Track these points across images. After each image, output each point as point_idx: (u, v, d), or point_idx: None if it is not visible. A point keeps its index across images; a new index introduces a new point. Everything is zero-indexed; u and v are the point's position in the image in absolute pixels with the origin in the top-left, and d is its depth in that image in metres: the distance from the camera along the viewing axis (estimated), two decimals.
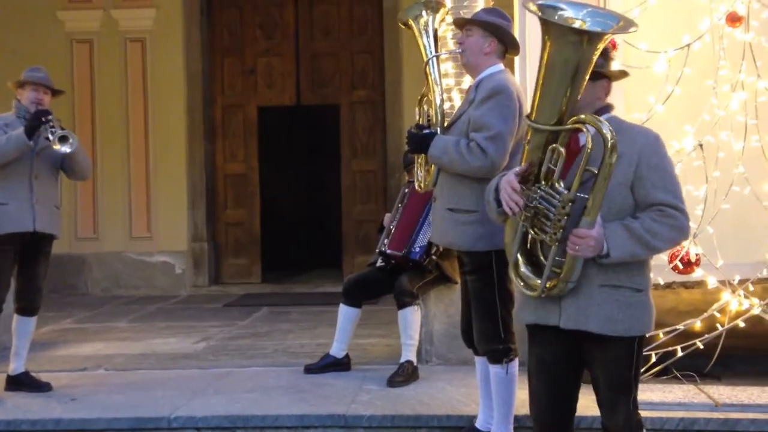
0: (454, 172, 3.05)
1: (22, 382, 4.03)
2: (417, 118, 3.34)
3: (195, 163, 7.76)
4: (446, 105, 4.28)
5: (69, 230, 7.61)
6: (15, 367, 4.05)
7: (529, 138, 2.23)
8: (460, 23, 3.20)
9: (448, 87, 4.67)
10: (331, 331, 4.45)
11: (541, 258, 2.24)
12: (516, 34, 4.54)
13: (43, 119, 3.84)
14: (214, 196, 7.97)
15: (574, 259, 2.16)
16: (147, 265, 7.68)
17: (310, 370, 4.25)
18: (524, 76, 4.46)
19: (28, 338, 4.09)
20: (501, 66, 3.14)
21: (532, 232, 2.22)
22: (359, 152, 7.95)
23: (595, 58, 2.11)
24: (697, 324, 3.72)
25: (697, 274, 3.66)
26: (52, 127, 3.85)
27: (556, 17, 2.03)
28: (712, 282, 3.75)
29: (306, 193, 9.93)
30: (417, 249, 4.09)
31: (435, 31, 3.31)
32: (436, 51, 3.31)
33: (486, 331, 3.11)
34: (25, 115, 3.93)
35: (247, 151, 7.98)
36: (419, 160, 3.30)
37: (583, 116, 2.12)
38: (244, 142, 7.97)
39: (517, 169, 2.24)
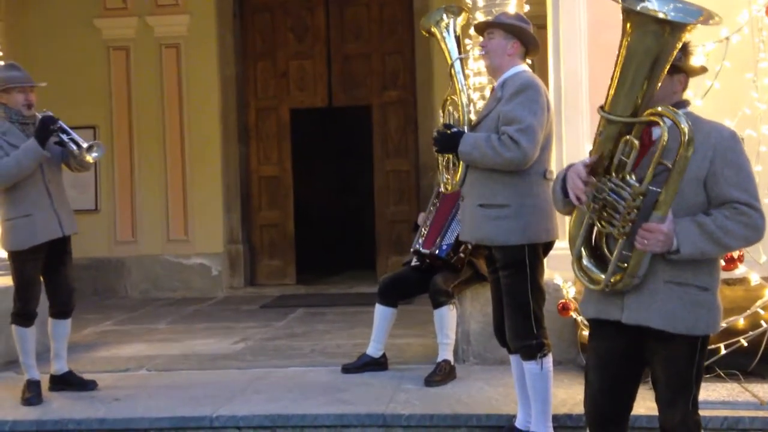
0: (485, 166, 3.09)
1: (68, 381, 4.11)
2: (441, 119, 3.38)
3: (230, 165, 7.85)
4: (478, 105, 4.32)
5: (108, 234, 7.78)
6: (58, 367, 4.13)
7: (601, 129, 2.21)
8: (481, 27, 3.27)
9: (481, 85, 4.69)
10: (366, 331, 4.47)
11: (606, 252, 2.22)
12: (549, 34, 4.55)
13: (53, 127, 3.82)
14: (249, 198, 8.06)
15: (641, 253, 2.14)
16: (184, 267, 7.79)
17: (347, 369, 4.28)
18: (558, 73, 4.45)
19: (66, 339, 4.14)
20: (524, 66, 3.23)
21: (599, 224, 2.20)
22: (391, 153, 7.96)
23: (676, 50, 2.08)
24: (741, 321, 3.65)
25: (740, 270, 3.60)
26: (67, 134, 3.86)
27: (639, 7, 2.01)
28: (755, 278, 3.71)
29: (339, 194, 9.99)
30: (444, 246, 4.10)
31: (457, 35, 3.35)
32: (460, 53, 3.34)
33: (518, 327, 3.12)
34: (20, 119, 3.87)
35: (280, 153, 8.05)
36: (443, 162, 3.33)
37: (660, 108, 2.10)
38: (277, 145, 8.05)
39: (587, 159, 2.22)
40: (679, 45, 2.09)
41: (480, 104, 4.28)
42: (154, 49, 7.77)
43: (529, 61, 3.34)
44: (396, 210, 7.91)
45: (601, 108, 2.18)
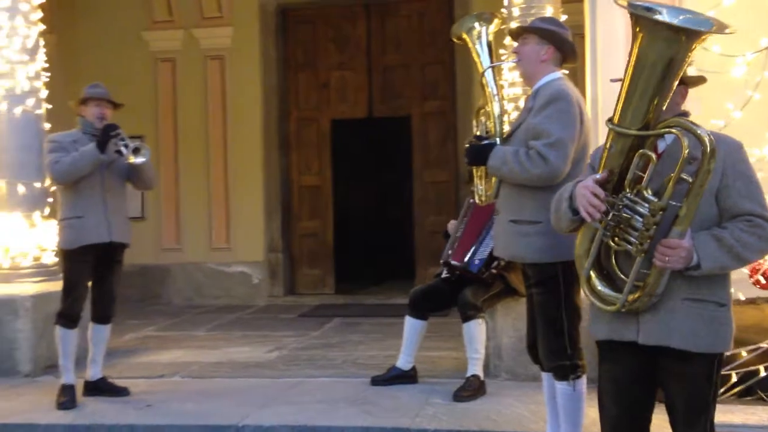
0: (514, 182, 2.99)
1: (100, 388, 4.20)
2: (474, 130, 3.30)
3: (271, 175, 7.95)
4: (512, 115, 4.26)
5: (154, 241, 7.95)
6: (93, 373, 4.23)
7: (610, 144, 2.14)
8: (516, 32, 3.16)
9: (516, 96, 4.63)
10: (399, 343, 4.44)
11: (616, 271, 2.15)
12: (587, 43, 4.46)
13: (112, 133, 3.98)
14: (289, 208, 8.13)
15: (660, 271, 2.06)
16: (226, 275, 7.90)
17: (376, 381, 4.26)
18: (595, 83, 4.36)
19: (104, 345, 4.25)
20: (559, 73, 3.07)
21: (612, 243, 2.12)
22: (431, 163, 7.94)
23: (688, 60, 2.01)
24: None
25: None
26: (122, 139, 3.99)
27: (653, 15, 1.94)
28: None
29: (379, 205, 9.99)
30: (477, 261, 4.04)
31: (489, 43, 3.27)
32: (492, 62, 3.25)
33: (551, 346, 3.02)
34: (92, 131, 4.06)
35: (320, 164, 8.11)
36: (478, 173, 3.25)
37: (674, 120, 2.03)
38: (317, 155, 8.11)
39: (597, 176, 2.15)
40: (692, 54, 2.01)
41: (515, 115, 4.21)
42: (199, 60, 7.94)
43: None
44: (435, 220, 7.85)
45: (610, 121, 2.11)
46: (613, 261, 2.16)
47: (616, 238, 2.11)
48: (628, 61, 2.03)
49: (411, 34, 7.93)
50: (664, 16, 1.93)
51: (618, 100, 2.08)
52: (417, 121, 7.97)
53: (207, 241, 7.98)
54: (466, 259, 4.08)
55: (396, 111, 8.04)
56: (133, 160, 3.98)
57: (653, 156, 2.06)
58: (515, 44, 3.22)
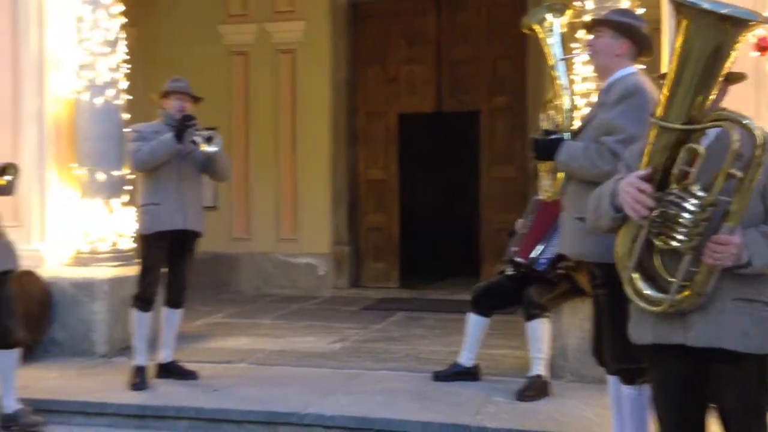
0: (583, 178, 2.92)
1: (171, 370, 4.35)
2: (542, 124, 3.24)
3: (338, 168, 8.02)
4: (585, 110, 4.16)
5: (225, 231, 8.15)
6: (164, 356, 4.39)
7: (653, 139, 2.07)
8: (590, 25, 3.07)
9: (588, 91, 4.52)
10: (462, 339, 4.42)
11: (660, 270, 2.08)
12: (664, 37, 4.31)
13: (188, 123, 4.12)
14: (356, 201, 8.19)
15: (709, 269, 2.00)
16: (292, 266, 8.03)
17: (438, 377, 4.25)
18: None
19: (175, 329, 4.41)
20: (634, 68, 2.97)
21: (658, 241, 2.06)
22: (499, 159, 7.85)
23: (734, 51, 1.93)
24: None
25: None
26: (198, 130, 4.12)
27: (695, 2, 1.88)
28: None
29: (445, 200, 9.95)
30: (543, 260, 3.97)
31: (561, 35, 3.19)
32: (564, 54, 3.18)
33: (617, 349, 2.94)
34: (171, 122, 4.22)
35: (387, 158, 8.13)
36: (545, 168, 3.19)
37: (723, 113, 1.96)
38: (384, 149, 8.13)
39: (641, 172, 2.08)
40: (738, 46, 1.92)
41: (586, 111, 4.11)
42: (271, 54, 8.07)
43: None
44: (502, 217, 7.74)
45: (653, 115, 2.05)
46: (657, 260, 2.09)
47: (662, 236, 2.04)
48: (673, 53, 1.95)
49: (481, 27, 7.84)
50: (710, 5, 1.86)
51: (663, 93, 2.01)
52: (485, 116, 7.89)
53: (275, 232, 8.13)
54: (531, 257, 4.03)
55: (464, 106, 7.98)
56: (206, 148, 4.10)
57: (702, 150, 1.98)
58: (589, 37, 3.14)
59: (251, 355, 4.98)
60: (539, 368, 3.97)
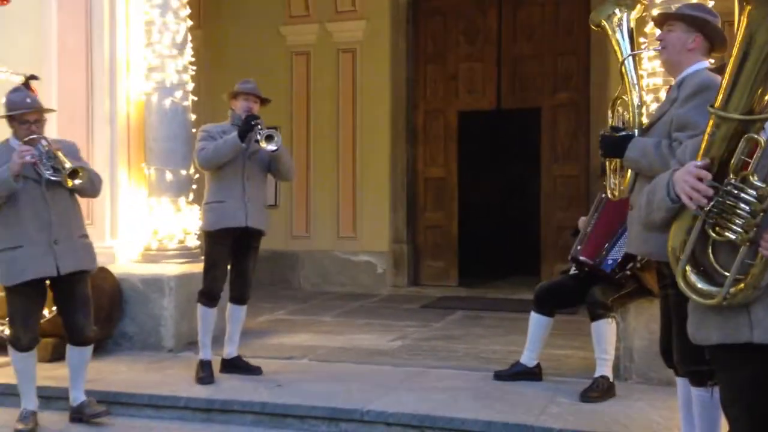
0: (652, 175, 2.85)
1: (236, 365, 4.44)
2: (610, 120, 3.18)
3: (397, 166, 8.05)
4: (653, 106, 4.06)
5: (285, 228, 8.28)
6: (229, 351, 4.48)
7: (712, 129, 2.02)
8: (660, 19, 2.99)
9: (656, 86, 4.41)
10: (522, 338, 4.38)
11: (713, 263, 2.02)
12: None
13: (253, 123, 4.19)
14: (415, 199, 8.20)
15: (767, 262, 1.93)
16: (352, 263, 8.10)
17: (499, 376, 4.22)
18: None
19: (240, 325, 4.50)
20: (706, 63, 2.89)
21: (713, 233, 2.00)
22: (561, 156, 7.73)
23: None
24: None
25: None
26: (261, 129, 4.19)
27: None
28: None
29: (504, 198, 9.86)
30: (610, 261, 3.89)
31: (630, 30, 3.12)
32: (633, 50, 3.11)
33: (688, 350, 2.85)
34: (238, 122, 4.30)
35: (446, 156, 8.11)
36: (612, 166, 3.13)
37: None
38: (444, 147, 8.12)
39: (699, 162, 2.03)
40: None
41: (653, 107, 4.01)
42: (332, 53, 8.16)
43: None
44: (564, 216, 7.64)
45: (712, 105, 1.98)
46: (711, 253, 2.03)
47: (718, 228, 1.98)
48: (736, 41, 1.89)
49: (544, 23, 7.74)
50: None
51: (723, 83, 1.94)
52: (547, 113, 7.78)
53: (334, 230, 8.21)
54: (598, 257, 3.95)
55: (525, 103, 7.89)
56: (265, 146, 4.17)
57: (763, 140, 1.91)
58: (657, 32, 3.07)
59: (313, 351, 5.04)
60: (604, 369, 3.89)
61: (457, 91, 8.07)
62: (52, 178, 3.61)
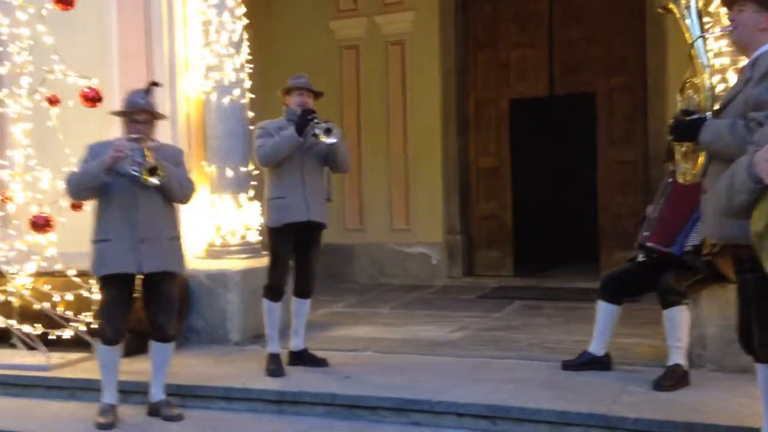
0: (729, 157, 2.79)
1: (303, 358, 4.50)
2: (679, 104, 3.12)
3: (449, 157, 8.01)
4: (719, 87, 3.95)
5: (339, 222, 8.32)
6: (296, 344, 4.54)
7: None
8: (730, 0, 2.93)
9: (723, 66, 4.29)
10: (585, 328, 4.34)
11: None
12: None
13: (309, 117, 4.22)
14: (467, 190, 8.16)
15: None
16: (406, 255, 8.11)
17: (567, 366, 4.18)
18: None
19: (305, 318, 4.55)
20: None
21: None
22: (617, 141, 7.59)
23: None
24: None
25: None
26: (317, 123, 4.21)
27: None
28: None
29: (559, 186, 9.74)
30: (686, 248, 3.80)
31: (699, 10, 3.06)
32: (702, 31, 3.05)
33: (767, 335, 2.81)
34: (293, 118, 4.33)
35: (498, 145, 8.05)
36: (682, 150, 3.07)
37: None
38: (495, 136, 8.05)
39: None
40: None
41: (720, 88, 3.91)
42: (381, 46, 8.16)
43: None
44: (621, 202, 7.52)
45: None
46: None
47: None
48: None
49: (596, 3, 7.57)
50: None
51: None
52: (602, 97, 7.64)
53: (388, 222, 8.23)
54: (668, 243, 3.87)
55: (578, 87, 7.76)
56: (324, 139, 4.19)
57: None
58: (722, 10, 3.00)
59: (375, 343, 5.07)
60: (678, 357, 3.82)
61: (508, 78, 7.98)
62: (132, 172, 3.69)
